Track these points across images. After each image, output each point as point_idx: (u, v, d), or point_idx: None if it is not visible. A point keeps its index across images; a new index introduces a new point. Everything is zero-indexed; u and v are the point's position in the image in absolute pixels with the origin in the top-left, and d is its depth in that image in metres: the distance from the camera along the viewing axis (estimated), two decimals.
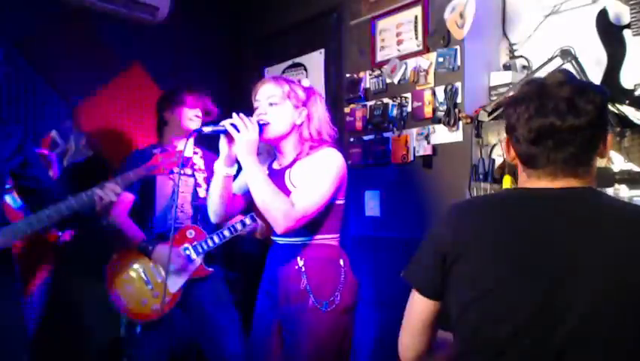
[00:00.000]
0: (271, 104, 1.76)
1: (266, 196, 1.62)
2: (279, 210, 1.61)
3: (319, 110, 1.82)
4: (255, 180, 1.64)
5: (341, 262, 1.78)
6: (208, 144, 2.65)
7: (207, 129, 1.71)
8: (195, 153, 2.58)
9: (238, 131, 1.64)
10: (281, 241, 1.81)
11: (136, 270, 2.38)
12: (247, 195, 1.80)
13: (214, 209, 1.82)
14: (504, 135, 1.22)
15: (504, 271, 1.07)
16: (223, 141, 1.71)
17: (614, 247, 1.00)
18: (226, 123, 1.67)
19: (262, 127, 1.71)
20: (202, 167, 2.57)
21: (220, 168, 1.74)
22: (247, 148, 1.63)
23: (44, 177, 2.02)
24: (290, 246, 1.78)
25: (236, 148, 1.66)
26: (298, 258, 1.75)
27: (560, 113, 1.05)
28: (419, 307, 1.22)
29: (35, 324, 2.62)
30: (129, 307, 2.35)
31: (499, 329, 1.05)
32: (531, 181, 1.13)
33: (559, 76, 1.12)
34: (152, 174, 2.26)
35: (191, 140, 2.43)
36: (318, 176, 1.69)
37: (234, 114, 1.68)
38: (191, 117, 2.49)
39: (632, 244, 1.00)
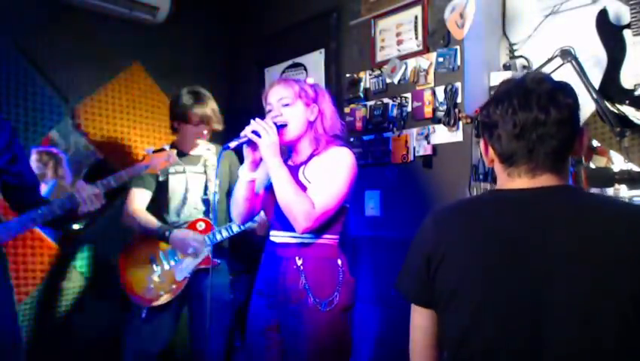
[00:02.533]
0: (284, 105, 1.81)
1: (289, 197, 1.68)
2: (301, 211, 1.66)
3: (328, 105, 1.88)
4: (280, 180, 1.70)
5: (339, 261, 1.80)
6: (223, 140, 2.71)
7: (232, 144, 1.77)
8: (208, 149, 2.62)
9: (259, 136, 1.70)
10: (279, 239, 1.82)
11: (146, 257, 2.48)
12: (266, 193, 1.88)
13: (238, 211, 1.87)
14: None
15: (489, 273, 1.07)
16: (246, 149, 1.77)
17: (595, 245, 1.01)
18: (247, 132, 1.73)
19: (279, 128, 1.76)
20: (215, 162, 2.60)
21: (245, 173, 1.81)
22: (271, 150, 1.70)
23: (29, 174, 2.01)
24: (288, 245, 1.79)
25: (261, 152, 1.72)
26: (297, 257, 1.76)
27: (543, 107, 1.07)
28: (417, 319, 1.23)
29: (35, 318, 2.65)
30: (136, 292, 2.45)
31: (487, 329, 1.06)
32: (511, 180, 1.13)
33: (537, 74, 1.15)
34: (150, 173, 2.35)
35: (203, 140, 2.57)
36: (336, 177, 1.74)
37: (252, 121, 1.74)
38: (194, 136, 2.53)
39: (613, 240, 1.00)
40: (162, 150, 2.46)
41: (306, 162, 1.82)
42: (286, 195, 1.69)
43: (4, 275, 1.89)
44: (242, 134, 1.75)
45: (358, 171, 1.81)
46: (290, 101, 1.81)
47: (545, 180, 1.10)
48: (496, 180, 2.24)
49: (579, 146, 1.12)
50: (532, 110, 1.07)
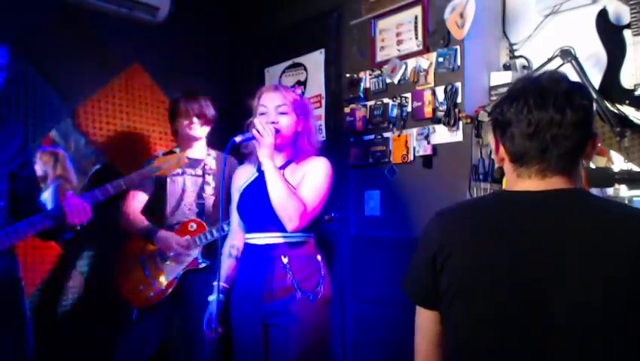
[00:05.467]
0: (281, 113, 1.95)
1: (284, 196, 1.81)
2: (296, 210, 1.81)
3: (313, 120, 2.06)
4: (276, 181, 1.83)
5: (318, 257, 1.97)
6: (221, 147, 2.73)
7: (238, 138, 1.91)
8: (208, 154, 2.68)
9: (262, 136, 1.85)
10: (262, 241, 1.92)
11: (137, 258, 2.50)
12: (243, 198, 2.02)
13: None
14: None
15: (493, 273, 1.07)
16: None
17: (600, 249, 1.00)
18: (253, 130, 1.88)
19: (276, 132, 1.90)
20: (214, 167, 2.66)
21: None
22: (268, 151, 1.85)
23: (34, 181, 2.02)
24: (273, 245, 1.90)
25: (259, 152, 1.87)
26: (282, 256, 1.88)
27: (560, 108, 1.05)
28: (421, 320, 1.22)
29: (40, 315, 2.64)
30: (127, 293, 2.47)
31: (489, 329, 1.06)
32: (520, 181, 1.12)
33: (553, 73, 1.14)
34: (159, 176, 2.33)
35: (203, 143, 2.67)
36: (320, 182, 1.92)
37: (255, 121, 1.90)
38: (187, 125, 2.58)
39: (618, 244, 0.99)
40: (172, 152, 2.51)
41: (283, 167, 1.97)
42: (282, 195, 1.81)
43: (14, 275, 1.91)
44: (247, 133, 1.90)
45: (333, 179, 1.98)
46: (286, 110, 1.95)
47: (555, 183, 1.08)
48: (496, 180, 2.26)
49: (590, 149, 1.10)
50: (548, 110, 1.05)
